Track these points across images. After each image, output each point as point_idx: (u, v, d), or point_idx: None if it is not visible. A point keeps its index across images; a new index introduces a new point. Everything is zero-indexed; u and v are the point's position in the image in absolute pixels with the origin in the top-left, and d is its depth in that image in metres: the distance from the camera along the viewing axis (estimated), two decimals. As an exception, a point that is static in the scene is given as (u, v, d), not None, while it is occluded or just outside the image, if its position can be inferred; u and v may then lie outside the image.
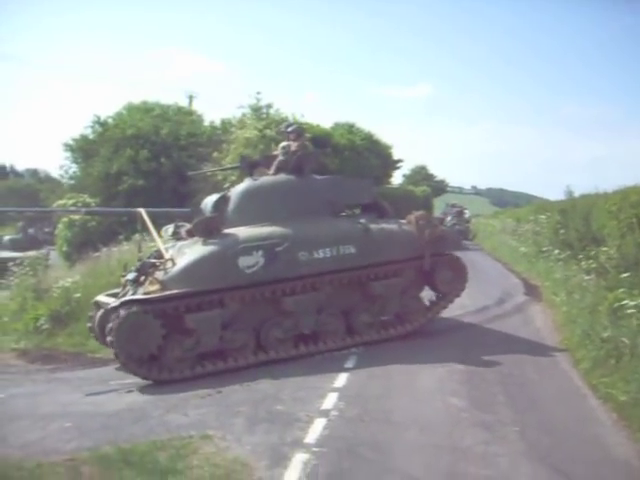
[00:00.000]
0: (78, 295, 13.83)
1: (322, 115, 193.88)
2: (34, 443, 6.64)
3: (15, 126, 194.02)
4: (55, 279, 15.34)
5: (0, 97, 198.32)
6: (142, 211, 11.00)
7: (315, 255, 9.79)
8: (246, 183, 10.62)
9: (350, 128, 32.78)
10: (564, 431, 6.57)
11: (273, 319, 9.72)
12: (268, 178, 10.62)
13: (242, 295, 9.35)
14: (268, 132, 23.18)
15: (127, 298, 9.19)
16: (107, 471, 5.55)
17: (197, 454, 5.90)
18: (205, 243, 9.52)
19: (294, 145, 10.79)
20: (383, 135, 35.09)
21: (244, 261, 9.30)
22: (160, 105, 29.93)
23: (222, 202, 10.47)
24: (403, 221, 10.93)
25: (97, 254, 16.98)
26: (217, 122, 30.54)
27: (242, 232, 9.75)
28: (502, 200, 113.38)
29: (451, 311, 12.21)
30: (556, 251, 16.37)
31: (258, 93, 25.89)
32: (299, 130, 11.25)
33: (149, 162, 25.85)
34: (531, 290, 15.93)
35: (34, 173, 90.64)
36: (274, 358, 9.49)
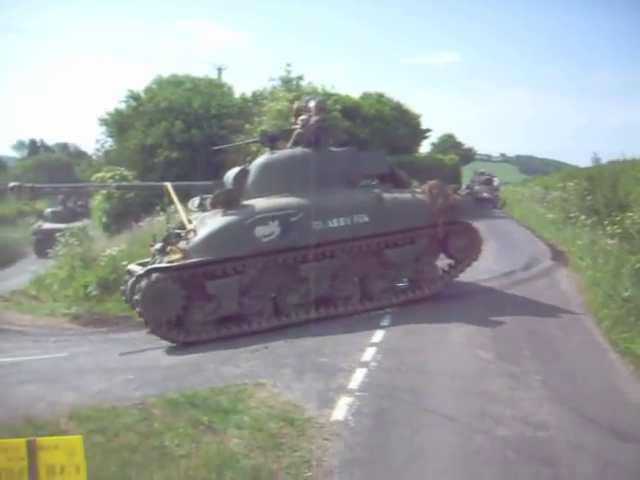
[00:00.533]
0: (125, 263, 14.57)
1: (351, 85, 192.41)
2: (104, 392, 7.42)
3: (45, 101, 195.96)
4: (102, 248, 16.14)
5: (29, 72, 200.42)
6: (168, 185, 11.75)
7: (329, 224, 10.23)
8: (264, 156, 11.18)
9: (379, 98, 33.12)
10: (584, 380, 7.20)
11: (290, 285, 10.26)
12: (285, 151, 11.06)
13: (259, 262, 9.93)
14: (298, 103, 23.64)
15: (152, 266, 9.94)
16: (175, 412, 6.30)
17: (253, 398, 6.66)
18: (224, 214, 10.12)
19: (313, 118, 11.16)
20: (411, 104, 35.30)
21: (260, 230, 9.86)
22: (190, 78, 30.42)
23: (242, 175, 11.01)
24: (418, 190, 11.34)
25: (141, 224, 17.78)
26: (247, 94, 31.08)
27: (259, 203, 10.29)
28: (531, 167, 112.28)
29: (479, 275, 12.85)
30: (582, 217, 16.75)
31: (288, 65, 26.30)
32: (320, 104, 11.57)
33: (183, 134, 26.45)
34: (558, 255, 16.38)
35: (64, 147, 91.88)
36: (292, 322, 10.07)
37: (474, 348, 8.38)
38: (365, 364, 7.76)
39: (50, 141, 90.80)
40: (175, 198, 11.35)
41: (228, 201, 10.24)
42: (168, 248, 10.26)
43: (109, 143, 30.42)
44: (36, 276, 18.96)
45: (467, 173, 43.55)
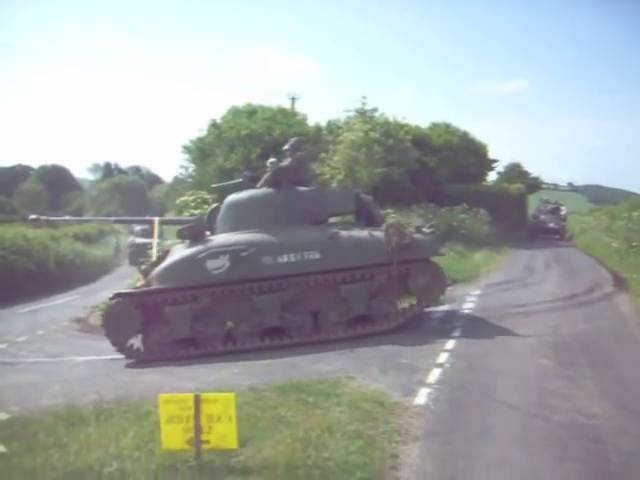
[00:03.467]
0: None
1: (417, 112, 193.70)
2: (217, 381, 8.72)
3: (118, 125, 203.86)
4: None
5: (103, 100, 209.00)
6: (156, 220, 13.44)
7: (279, 259, 10.91)
8: (231, 196, 11.95)
9: (447, 128, 34.34)
10: (633, 383, 8.25)
11: (242, 314, 11.10)
12: (248, 192, 11.84)
13: (209, 293, 10.87)
14: (372, 134, 25.02)
15: (117, 292, 11.40)
16: (284, 394, 7.63)
17: (347, 387, 7.95)
18: (186, 246, 11.38)
19: (287, 161, 11.96)
20: (478, 133, 36.47)
21: (211, 264, 10.81)
22: (263, 108, 32.21)
23: (215, 212, 12.12)
24: (380, 228, 11.51)
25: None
26: (320, 122, 32.76)
27: (217, 238, 11.36)
28: (599, 197, 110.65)
29: (543, 297, 13.98)
30: (644, 245, 17.55)
31: (364, 98, 27.70)
32: (293, 146, 12.25)
33: (260, 160, 28.11)
34: (620, 282, 17.21)
35: (136, 170, 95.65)
36: (243, 349, 10.86)
37: (535, 356, 9.52)
38: (440, 365, 9.00)
39: (124, 164, 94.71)
40: (155, 231, 13.14)
41: (191, 235, 11.41)
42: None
43: (192, 168, 32.46)
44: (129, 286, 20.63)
45: (534, 202, 43.73)
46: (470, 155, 34.18)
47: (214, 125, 31.67)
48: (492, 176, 45.26)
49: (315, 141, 28.69)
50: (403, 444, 6.21)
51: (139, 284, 11.46)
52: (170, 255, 11.64)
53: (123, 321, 10.77)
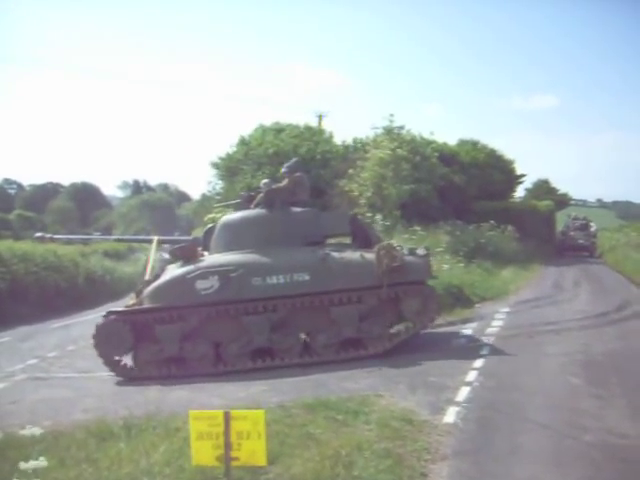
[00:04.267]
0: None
1: (444, 128, 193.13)
2: (245, 398, 8.77)
3: (147, 143, 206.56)
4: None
5: (133, 117, 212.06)
6: (155, 239, 13.41)
7: (268, 281, 10.82)
8: (225, 217, 12.11)
9: (474, 145, 34.31)
10: (666, 404, 8.14)
11: (231, 335, 11.04)
12: (241, 212, 11.87)
13: (198, 312, 10.81)
14: (399, 152, 25.09)
15: (111, 309, 11.44)
16: (312, 412, 7.65)
17: (376, 405, 7.95)
18: (179, 266, 11.40)
19: (283, 182, 11.87)
20: (505, 149, 36.40)
21: (200, 284, 10.76)
22: (291, 126, 32.42)
23: (210, 232, 12.13)
24: (372, 250, 11.29)
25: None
26: (347, 139, 32.87)
27: (208, 259, 11.37)
28: (629, 213, 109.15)
29: (573, 315, 13.88)
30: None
31: (391, 115, 27.81)
32: (291, 167, 12.11)
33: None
34: (651, 299, 17.02)
35: (165, 187, 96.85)
36: (232, 370, 10.76)
37: (566, 375, 9.45)
38: (469, 383, 8.97)
39: (152, 182, 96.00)
40: (153, 250, 13.13)
41: (183, 256, 11.39)
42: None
43: (220, 185, 32.73)
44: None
45: (562, 219, 43.37)
46: (497, 172, 34.13)
47: (243, 142, 31.96)
48: (520, 192, 44.96)
49: (343, 159, 28.83)
50: (432, 463, 6.20)
51: (131, 302, 11.53)
52: (163, 274, 11.69)
53: (114, 339, 10.79)
